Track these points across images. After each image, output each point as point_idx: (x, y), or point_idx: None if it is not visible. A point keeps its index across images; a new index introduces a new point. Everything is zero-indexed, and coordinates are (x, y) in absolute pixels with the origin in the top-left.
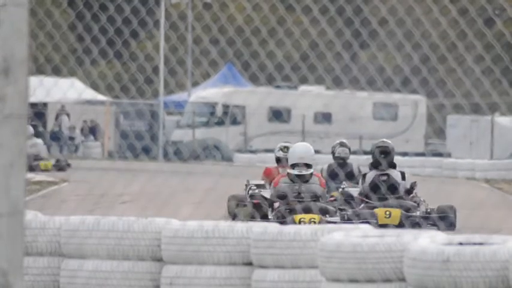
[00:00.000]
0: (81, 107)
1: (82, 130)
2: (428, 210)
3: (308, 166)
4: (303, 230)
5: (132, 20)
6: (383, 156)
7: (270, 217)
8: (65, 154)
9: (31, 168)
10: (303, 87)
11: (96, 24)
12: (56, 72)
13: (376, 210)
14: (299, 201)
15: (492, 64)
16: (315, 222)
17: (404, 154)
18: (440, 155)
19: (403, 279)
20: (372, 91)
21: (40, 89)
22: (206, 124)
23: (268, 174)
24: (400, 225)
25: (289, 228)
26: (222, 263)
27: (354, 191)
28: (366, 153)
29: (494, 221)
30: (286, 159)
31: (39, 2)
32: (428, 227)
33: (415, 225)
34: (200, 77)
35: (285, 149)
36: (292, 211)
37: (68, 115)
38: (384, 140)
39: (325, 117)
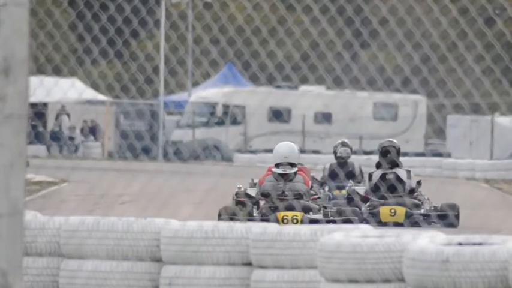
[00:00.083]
0: (82, 107)
1: (82, 130)
2: (432, 208)
3: (292, 165)
4: (303, 231)
5: (132, 19)
6: (389, 156)
7: (255, 215)
8: (64, 154)
9: None
10: (303, 87)
11: (96, 24)
12: (56, 72)
13: (381, 208)
14: (283, 199)
15: (492, 64)
16: (297, 220)
17: (405, 154)
18: (440, 155)
19: (402, 280)
20: (372, 91)
21: (40, 89)
22: (206, 124)
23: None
24: (406, 222)
25: (289, 229)
26: (222, 263)
27: (360, 190)
28: (366, 153)
29: (494, 221)
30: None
31: (40, 2)
32: (433, 225)
33: (418, 223)
34: (200, 77)
35: None
36: (276, 209)
37: (68, 115)
38: (391, 139)
39: (326, 117)
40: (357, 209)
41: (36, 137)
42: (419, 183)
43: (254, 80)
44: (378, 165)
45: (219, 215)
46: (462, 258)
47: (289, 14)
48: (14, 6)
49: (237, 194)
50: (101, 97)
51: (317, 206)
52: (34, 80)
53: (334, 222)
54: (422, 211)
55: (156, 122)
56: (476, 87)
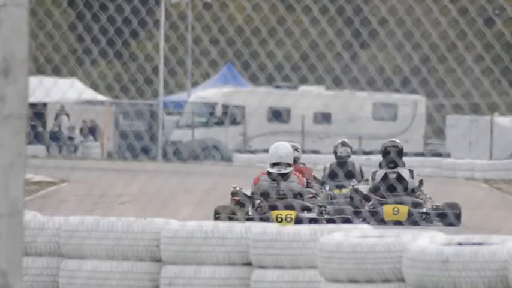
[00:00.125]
0: (81, 107)
1: (81, 130)
2: (434, 207)
3: (287, 165)
4: (302, 231)
5: (132, 20)
6: (393, 155)
7: (250, 213)
8: (64, 154)
9: None
10: (303, 88)
11: (96, 24)
12: (56, 72)
13: (384, 207)
14: (277, 199)
15: (492, 64)
16: (291, 218)
17: (404, 154)
18: (439, 155)
19: (402, 280)
20: (371, 91)
21: (40, 89)
22: (206, 124)
23: None
24: (408, 220)
25: (289, 229)
26: (221, 263)
27: (364, 188)
28: (365, 153)
29: (494, 221)
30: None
31: (39, 2)
32: (435, 223)
33: (422, 221)
34: (200, 77)
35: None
36: (270, 208)
37: (67, 115)
38: (394, 139)
39: (325, 118)
40: (351, 208)
41: (35, 137)
42: (421, 182)
43: (253, 80)
44: (381, 165)
45: (216, 214)
46: (462, 258)
47: (289, 14)
48: (13, 7)
49: (232, 193)
50: (100, 97)
51: (312, 205)
52: (33, 80)
53: (332, 221)
54: (424, 210)
55: (155, 122)
56: (475, 87)
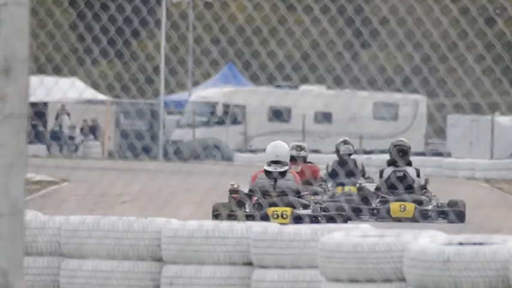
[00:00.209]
0: (82, 107)
1: (82, 130)
2: (440, 205)
3: (283, 164)
4: (303, 230)
5: (133, 19)
6: (400, 154)
7: (247, 210)
8: (65, 154)
9: None
10: (304, 87)
11: (97, 24)
12: (57, 71)
13: (391, 204)
14: (274, 196)
15: (493, 64)
16: (287, 215)
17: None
18: (440, 154)
19: (403, 279)
20: (372, 91)
21: (40, 88)
22: (206, 124)
23: None
24: (414, 218)
25: (289, 228)
26: (222, 263)
27: (371, 186)
28: (366, 152)
29: (494, 221)
30: (300, 157)
31: (40, 2)
32: (440, 220)
33: (426, 218)
34: (201, 76)
35: (298, 147)
36: (267, 205)
37: (68, 115)
38: (402, 139)
39: (326, 117)
40: (344, 205)
41: (36, 136)
42: (427, 181)
43: (254, 79)
44: (389, 163)
45: (214, 211)
46: (463, 258)
47: (290, 13)
48: (14, 6)
49: (230, 191)
50: (101, 97)
51: (307, 202)
52: (34, 80)
53: (328, 217)
54: (430, 207)
55: (156, 122)
56: (476, 87)
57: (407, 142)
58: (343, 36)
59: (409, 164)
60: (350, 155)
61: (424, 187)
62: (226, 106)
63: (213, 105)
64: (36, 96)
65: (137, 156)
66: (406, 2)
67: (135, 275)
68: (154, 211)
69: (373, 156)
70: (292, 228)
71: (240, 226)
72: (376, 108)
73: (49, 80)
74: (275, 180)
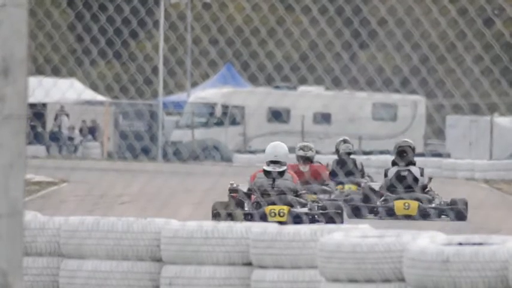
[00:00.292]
0: (81, 108)
1: (81, 130)
2: (442, 203)
3: (282, 164)
4: (303, 230)
5: (131, 20)
6: (405, 154)
7: (246, 209)
8: (64, 154)
9: None
10: (302, 88)
11: (95, 25)
12: (55, 72)
13: (395, 202)
14: (271, 195)
15: (491, 64)
16: (284, 213)
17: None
18: (439, 155)
19: (402, 280)
20: (371, 91)
21: (39, 89)
22: (205, 124)
23: (294, 171)
24: (418, 216)
25: (289, 229)
26: (222, 263)
27: (376, 185)
28: (365, 153)
29: (494, 221)
30: (307, 157)
31: (39, 3)
32: (442, 218)
33: (430, 216)
34: (199, 77)
35: (305, 148)
36: (265, 203)
37: (67, 115)
38: (406, 139)
39: (325, 118)
40: (341, 203)
41: (35, 137)
42: (430, 180)
43: (253, 80)
44: (394, 163)
45: (213, 209)
46: (462, 258)
47: (288, 14)
48: (13, 7)
49: (230, 190)
50: (100, 97)
51: (304, 201)
52: (33, 81)
53: (325, 215)
54: (433, 205)
55: (155, 123)
56: (475, 87)
57: (411, 142)
58: (342, 36)
59: (413, 163)
60: (349, 154)
61: (427, 186)
62: (225, 107)
63: (212, 106)
64: (35, 97)
65: (136, 157)
66: (405, 2)
67: (135, 275)
68: (153, 212)
69: (372, 157)
70: (292, 228)
71: (239, 226)
72: (375, 109)
73: (48, 81)
74: (273, 180)
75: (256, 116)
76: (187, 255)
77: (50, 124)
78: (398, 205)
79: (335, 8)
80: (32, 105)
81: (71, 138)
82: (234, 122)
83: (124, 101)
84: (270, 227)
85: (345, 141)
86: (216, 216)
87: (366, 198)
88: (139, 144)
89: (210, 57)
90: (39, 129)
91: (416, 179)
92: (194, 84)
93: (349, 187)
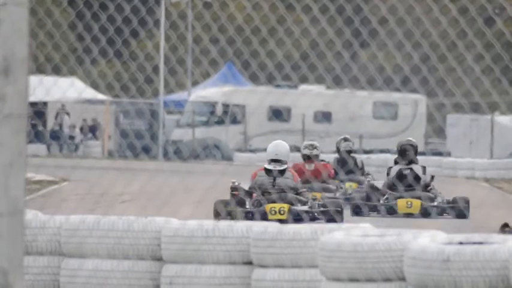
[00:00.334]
0: (81, 106)
1: (82, 129)
2: (445, 201)
3: (282, 162)
4: (303, 230)
5: (132, 19)
6: (407, 153)
7: (247, 206)
8: (65, 153)
9: None
10: (303, 87)
11: (96, 24)
12: (56, 71)
13: (398, 200)
14: (273, 193)
15: (492, 63)
16: (284, 211)
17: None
18: (440, 154)
19: (403, 279)
20: (372, 90)
21: (40, 88)
22: (206, 123)
23: (296, 170)
24: (421, 214)
25: (289, 228)
26: (222, 262)
27: (379, 183)
28: (365, 152)
29: (494, 220)
30: (314, 155)
31: (40, 1)
32: (444, 216)
33: (433, 213)
34: (200, 76)
35: (310, 146)
36: (268, 200)
37: (68, 114)
38: (409, 138)
39: (325, 117)
40: (341, 202)
41: (36, 136)
42: (432, 178)
43: (254, 79)
44: (396, 162)
45: (216, 207)
46: (463, 257)
47: (289, 13)
48: (13, 6)
49: (232, 188)
50: (100, 96)
51: (305, 199)
52: (34, 80)
53: (324, 213)
54: (435, 203)
55: (156, 121)
56: (476, 86)
57: (414, 141)
58: (342, 36)
59: (416, 162)
60: (350, 152)
61: (429, 184)
62: (226, 106)
63: (212, 105)
64: (36, 95)
65: (137, 156)
66: (405, 1)
67: (135, 274)
68: (154, 210)
69: (373, 156)
70: (292, 227)
71: (240, 226)
72: (375, 107)
73: (48, 80)
74: (274, 178)
75: (256, 115)
76: (188, 254)
77: (50, 123)
78: (401, 203)
79: (336, 7)
80: (33, 104)
81: (71, 137)
82: (234, 121)
83: (125, 100)
84: (271, 226)
85: (345, 139)
86: (217, 215)
87: (368, 197)
88: (140, 143)
89: (210, 56)
90: (40, 128)
91: (418, 178)
92: (195, 83)
93: (349, 185)
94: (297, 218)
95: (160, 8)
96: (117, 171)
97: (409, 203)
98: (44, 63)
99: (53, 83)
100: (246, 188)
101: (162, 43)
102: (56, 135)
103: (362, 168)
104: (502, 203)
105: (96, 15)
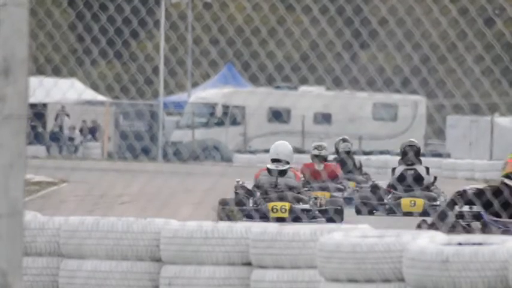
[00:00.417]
0: (81, 108)
1: (81, 130)
2: (447, 200)
3: (285, 162)
4: (302, 230)
5: (132, 20)
6: (411, 154)
7: (251, 205)
8: (64, 155)
9: None
10: (303, 88)
11: (96, 24)
12: (56, 72)
13: (402, 199)
14: (275, 192)
15: (492, 64)
16: (286, 210)
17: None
18: (439, 155)
19: (402, 280)
20: (371, 91)
21: (40, 89)
22: (206, 125)
23: (306, 170)
24: (424, 213)
25: (289, 229)
26: (221, 263)
27: (383, 183)
28: (365, 153)
29: None
30: (321, 156)
31: (40, 2)
32: None
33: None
34: (200, 77)
35: (319, 147)
36: (268, 199)
37: (67, 115)
38: (412, 139)
39: (325, 118)
40: (342, 200)
41: (35, 137)
42: (435, 178)
43: (254, 80)
44: (400, 162)
45: (220, 204)
46: (462, 258)
47: (289, 14)
48: (13, 7)
49: (236, 187)
50: (100, 98)
51: (306, 198)
52: (34, 81)
53: (324, 211)
54: (438, 203)
55: (155, 123)
56: (475, 87)
57: (417, 143)
58: (342, 36)
59: (419, 162)
60: (349, 152)
61: (432, 184)
62: (226, 107)
63: (212, 106)
64: (36, 97)
65: (136, 157)
66: (405, 2)
67: (134, 275)
68: (153, 212)
69: (373, 157)
70: (292, 228)
71: (239, 226)
72: (375, 109)
73: (48, 81)
74: (276, 178)
75: (256, 116)
76: (187, 255)
77: (50, 124)
78: (405, 202)
79: (336, 7)
80: (33, 105)
81: (71, 139)
82: (234, 122)
83: (124, 101)
84: (270, 227)
85: (344, 140)
86: (221, 216)
87: (373, 195)
88: (140, 144)
89: (210, 57)
90: (40, 129)
91: (421, 178)
92: (195, 85)
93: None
94: (298, 217)
95: (161, 8)
96: (117, 173)
97: (412, 202)
98: (44, 64)
99: (52, 84)
100: (250, 187)
101: (162, 44)
102: (55, 137)
103: (360, 168)
104: None
105: (96, 16)
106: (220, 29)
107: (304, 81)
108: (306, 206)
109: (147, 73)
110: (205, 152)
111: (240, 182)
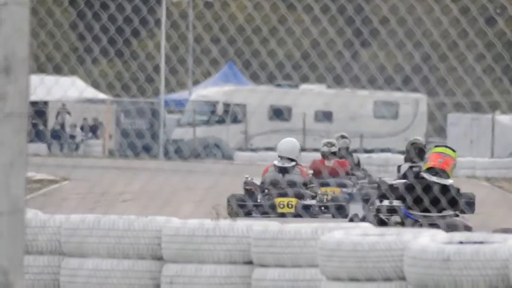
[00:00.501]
0: (82, 106)
1: (82, 128)
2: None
3: (292, 159)
4: (303, 229)
5: (133, 18)
6: (416, 151)
7: (259, 200)
8: (65, 152)
9: None
10: (304, 86)
11: (97, 23)
12: (57, 70)
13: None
14: (281, 188)
15: (493, 63)
16: (292, 205)
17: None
18: None
19: (403, 278)
20: (372, 90)
21: (41, 87)
22: (207, 122)
23: (315, 167)
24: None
25: (290, 227)
26: (223, 262)
27: (390, 181)
28: (366, 151)
29: (495, 220)
30: (331, 153)
31: (41, 1)
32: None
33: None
34: (201, 75)
35: (329, 144)
36: (271, 196)
37: (69, 113)
38: (417, 137)
39: (326, 116)
40: (347, 196)
41: (37, 135)
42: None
43: (255, 78)
44: (406, 159)
45: (228, 201)
46: (463, 256)
47: (290, 13)
48: (14, 5)
49: (245, 183)
50: (101, 96)
51: (312, 194)
52: (35, 79)
53: (327, 207)
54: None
55: (156, 121)
56: (476, 86)
57: (422, 140)
58: (343, 35)
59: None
60: (347, 148)
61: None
62: (227, 105)
63: (213, 104)
64: (37, 95)
65: (138, 155)
66: (407, 1)
67: (136, 273)
68: (154, 210)
69: (374, 155)
70: (293, 227)
71: (240, 225)
72: (376, 107)
73: (49, 79)
74: (283, 174)
75: (257, 114)
76: (188, 254)
77: (51, 122)
78: None
79: (337, 6)
80: (34, 103)
81: (72, 136)
82: (235, 120)
83: (126, 99)
84: (271, 226)
85: (342, 136)
86: (230, 209)
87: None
88: (141, 142)
89: (211, 56)
90: (41, 127)
91: None
92: (196, 83)
93: None
94: (302, 213)
95: (162, 7)
96: (118, 171)
97: None
98: (45, 63)
99: (54, 83)
100: (258, 183)
101: (163, 42)
102: (56, 135)
103: (359, 164)
104: (503, 202)
105: (97, 15)
106: (222, 27)
107: (305, 79)
108: (313, 202)
109: (148, 71)
110: (206, 150)
111: (249, 178)
